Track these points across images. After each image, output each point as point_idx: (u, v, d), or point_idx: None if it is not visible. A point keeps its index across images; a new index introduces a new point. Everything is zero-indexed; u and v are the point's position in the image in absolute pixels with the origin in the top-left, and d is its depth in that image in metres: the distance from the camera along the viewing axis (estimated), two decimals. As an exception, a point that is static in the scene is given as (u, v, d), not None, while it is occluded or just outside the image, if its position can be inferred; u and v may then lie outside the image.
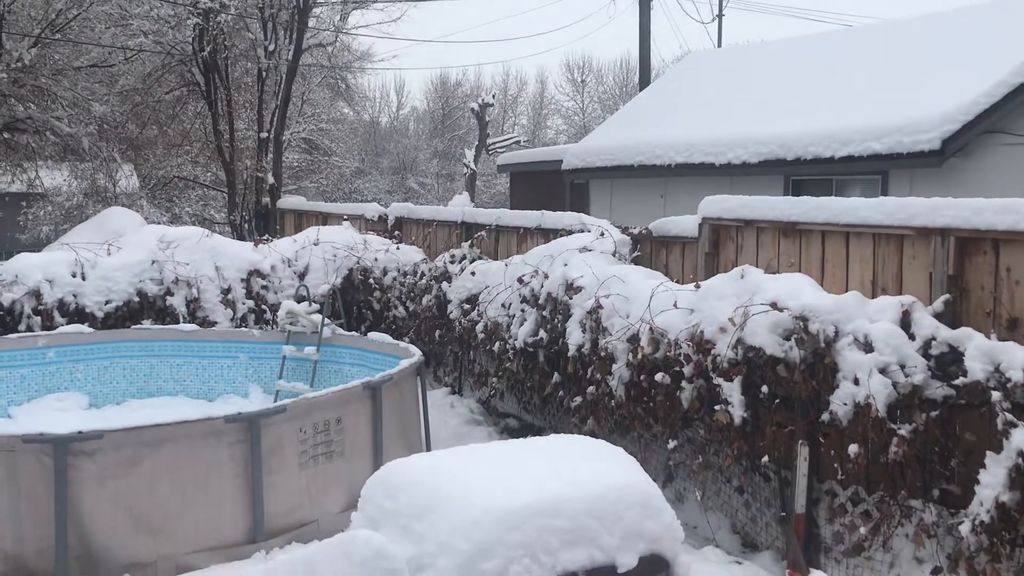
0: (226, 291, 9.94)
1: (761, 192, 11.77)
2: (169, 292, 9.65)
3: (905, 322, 5.15)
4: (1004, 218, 5.27)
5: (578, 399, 6.92)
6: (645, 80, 22.93)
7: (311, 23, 19.89)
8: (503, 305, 8.09)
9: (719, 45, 27.61)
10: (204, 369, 9.34)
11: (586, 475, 3.57)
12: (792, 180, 12.06)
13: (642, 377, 6.24)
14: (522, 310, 7.82)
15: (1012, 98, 9.33)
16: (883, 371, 4.93)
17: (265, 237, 12.44)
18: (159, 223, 16.44)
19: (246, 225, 19.29)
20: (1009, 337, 4.88)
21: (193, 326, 9.38)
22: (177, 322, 9.49)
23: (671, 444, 6.11)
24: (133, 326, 9.36)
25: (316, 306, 9.24)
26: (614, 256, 7.76)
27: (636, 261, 7.85)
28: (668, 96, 16.91)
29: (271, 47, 19.36)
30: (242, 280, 10.11)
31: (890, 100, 11.23)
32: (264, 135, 19.47)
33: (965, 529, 4.43)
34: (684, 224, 7.55)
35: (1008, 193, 9.22)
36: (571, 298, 7.18)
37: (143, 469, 5.39)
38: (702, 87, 16.30)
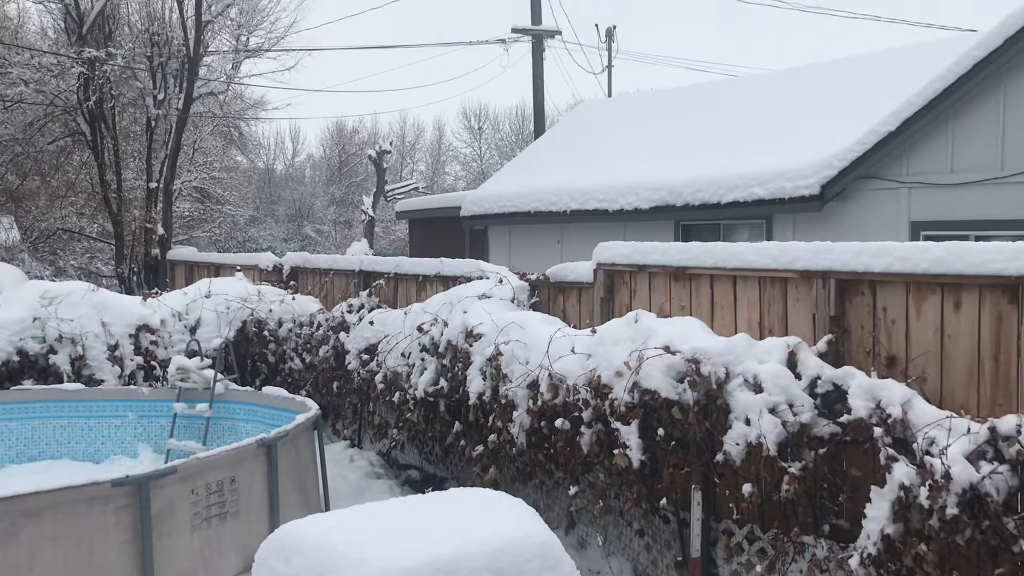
0: (113, 347, 9.57)
1: (653, 237, 12.08)
2: (52, 350, 9.24)
3: (792, 362, 5.32)
4: (879, 260, 5.53)
5: (480, 448, 6.90)
6: (540, 128, 23.34)
7: (202, 72, 19.62)
8: (403, 354, 8.03)
9: (609, 94, 28.38)
10: (90, 430, 8.93)
11: (485, 530, 3.55)
12: (682, 225, 12.41)
13: (542, 423, 6.27)
14: (422, 359, 7.77)
15: (882, 146, 9.85)
16: (773, 411, 5.08)
17: (155, 290, 12.07)
18: (42, 277, 15.80)
19: (135, 278, 18.70)
20: (888, 374, 5.09)
21: (78, 385, 8.98)
22: (61, 381, 9.07)
23: (572, 490, 6.14)
24: (12, 387, 8.91)
25: (208, 361, 8.98)
26: (513, 302, 7.82)
27: (535, 307, 7.93)
28: (563, 143, 17.25)
29: (160, 96, 19.00)
30: (130, 336, 9.76)
31: (774, 147, 11.71)
32: (153, 185, 19.00)
33: (854, 563, 4.57)
34: (580, 270, 7.67)
35: (883, 235, 9.72)
36: (471, 345, 7.18)
37: (21, 540, 5.11)
38: (596, 134, 16.69)
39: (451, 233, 18.31)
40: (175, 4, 18.67)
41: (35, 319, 9.30)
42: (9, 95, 18.46)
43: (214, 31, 19.94)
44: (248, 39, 20.86)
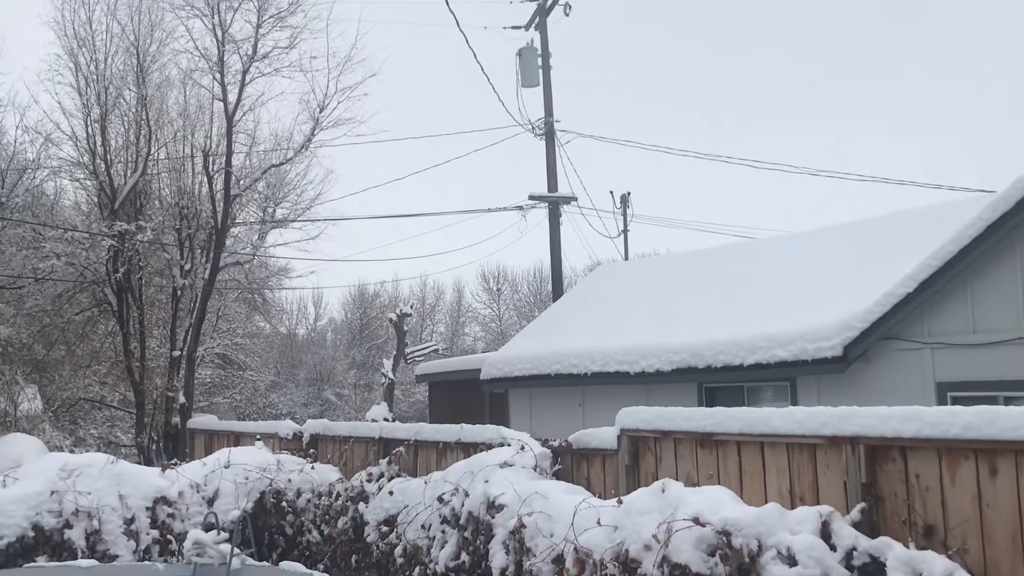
0: (130, 521, 9.41)
1: (676, 400, 11.97)
2: (68, 524, 9.08)
3: (825, 533, 5.15)
4: (908, 425, 5.43)
5: (504, 626, 6.62)
6: (558, 289, 23.64)
7: (228, 242, 20.18)
8: (423, 526, 7.84)
9: (626, 257, 28.86)
10: (102, 609, 8.65)
11: None
12: (705, 387, 12.32)
13: (569, 601, 6.03)
14: (443, 531, 7.58)
15: (902, 307, 9.87)
16: (809, 586, 4.88)
17: (173, 461, 12.00)
18: (62, 447, 15.75)
19: (154, 447, 18.60)
20: (926, 545, 4.91)
21: (92, 562, 8.77)
22: (75, 557, 8.88)
23: (602, 673, 5.83)
24: (25, 565, 8.71)
25: (225, 535, 8.79)
26: (535, 470, 7.68)
27: (557, 475, 7.78)
28: (582, 305, 17.40)
29: (187, 266, 19.47)
30: (147, 508, 9.61)
31: (794, 308, 11.76)
32: (177, 353, 19.19)
33: None
34: (603, 436, 7.57)
35: (909, 397, 9.59)
36: (493, 517, 7.01)
37: None
38: (614, 297, 16.85)
39: (471, 396, 18.24)
40: (205, 179, 19.42)
41: (53, 492, 9.20)
42: (41, 268, 18.99)
43: (241, 204, 20.66)
44: (275, 211, 21.58)
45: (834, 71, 71.17)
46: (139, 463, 16.56)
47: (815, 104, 72.41)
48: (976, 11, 69.28)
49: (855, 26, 73.15)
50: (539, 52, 24.08)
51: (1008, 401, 9.10)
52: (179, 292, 19.71)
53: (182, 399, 18.50)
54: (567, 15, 24.34)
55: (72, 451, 17.36)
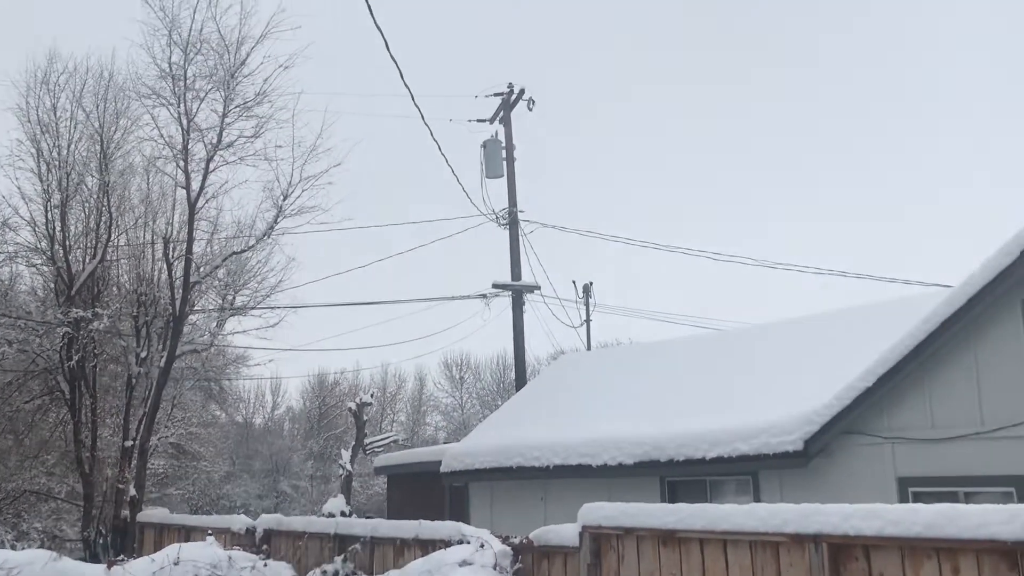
0: (70, 623, 8.99)
1: (639, 494, 11.84)
2: (3, 627, 8.66)
3: (791, 637, 5.04)
4: (871, 523, 5.40)
5: None
6: (521, 379, 23.51)
7: (186, 329, 19.89)
8: (378, 629, 7.56)
9: (589, 347, 28.91)
10: None
11: None
12: (668, 481, 12.20)
13: None
14: (399, 634, 7.32)
15: (861, 401, 9.91)
16: None
17: (120, 557, 11.53)
18: (3, 542, 15.12)
19: (101, 541, 17.93)
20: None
21: (27, 667, 8.34)
22: (8, 663, 8.43)
23: None
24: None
25: (171, 637, 8.41)
26: (495, 569, 7.49)
27: (518, 573, 7.60)
28: (544, 396, 17.30)
29: (143, 354, 19.13)
30: (90, 609, 9.21)
31: (755, 401, 11.77)
32: (129, 443, 18.68)
33: None
34: (564, 533, 7.43)
35: (871, 492, 9.56)
36: (450, 620, 6.79)
37: None
38: (577, 387, 16.78)
39: (431, 489, 17.89)
40: (164, 266, 19.24)
41: (-11, 593, 8.79)
42: (-9, 355, 18.55)
43: (201, 291, 20.43)
44: (234, 298, 21.34)
45: (803, 162, 73.19)
46: (84, 559, 15.93)
47: (780, 192, 74.17)
48: (953, 103, 72.01)
49: (830, 114, 75.60)
50: (503, 144, 24.50)
51: (968, 497, 9.10)
52: (134, 380, 19.29)
53: (133, 491, 17.93)
54: (531, 110, 24.88)
55: (13, 546, 16.66)
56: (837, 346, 12.32)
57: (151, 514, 17.44)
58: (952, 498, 9.08)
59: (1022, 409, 8.96)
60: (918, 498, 9.43)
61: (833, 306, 14.90)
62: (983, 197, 64.59)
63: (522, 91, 24.53)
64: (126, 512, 17.76)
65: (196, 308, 20.70)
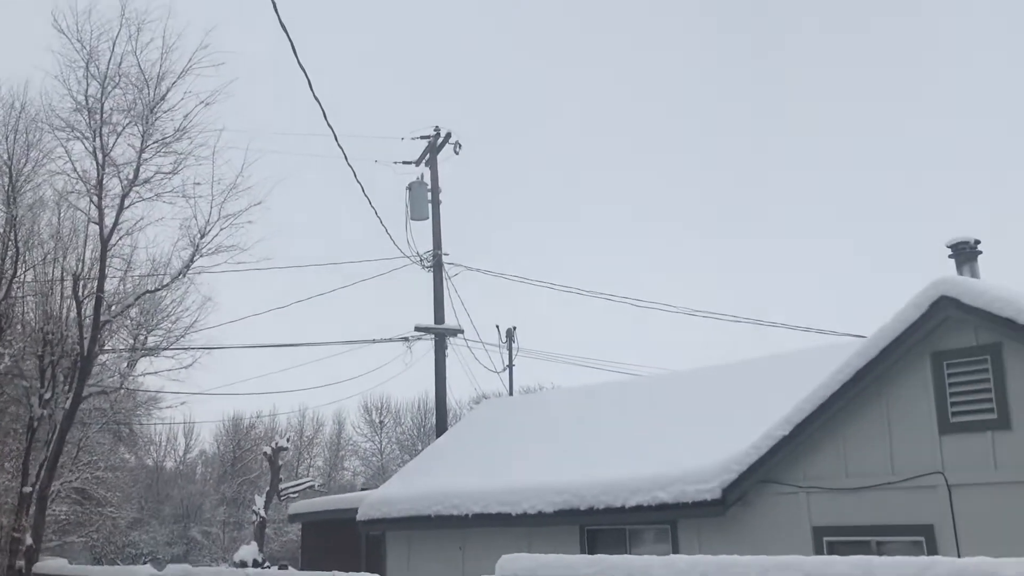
0: None
1: (558, 543, 11.72)
2: None
3: None
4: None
5: None
6: (442, 424, 23.24)
7: (94, 370, 19.18)
8: None
9: (511, 392, 28.82)
10: None
11: None
12: (588, 530, 12.10)
13: None
14: None
15: (777, 450, 10.01)
16: None
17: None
18: None
19: (-8, 595, 16.98)
20: None
21: None
22: None
23: None
24: None
25: None
26: (409, 625, 7.26)
27: (433, 629, 7.37)
28: (465, 442, 17.08)
29: (47, 395, 18.36)
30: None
31: (675, 449, 11.78)
32: (28, 489, 17.81)
33: None
34: (482, 587, 7.25)
35: (787, 542, 9.63)
36: None
37: None
38: (498, 434, 16.62)
39: (347, 537, 17.44)
40: (74, 303, 18.58)
41: None
42: None
43: (112, 330, 19.78)
44: (146, 338, 20.72)
45: (728, 209, 74.86)
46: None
47: (697, 241, 75.68)
48: (870, 150, 74.57)
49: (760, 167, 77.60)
50: (429, 186, 24.44)
51: (880, 546, 9.23)
52: (36, 423, 18.47)
53: (29, 540, 17.07)
54: (457, 153, 24.86)
55: None
56: (758, 393, 12.44)
57: (49, 565, 16.61)
58: (864, 547, 9.20)
59: (931, 459, 9.15)
60: (832, 547, 9.53)
61: (753, 354, 15.12)
62: (898, 244, 67.00)
63: (448, 134, 24.57)
64: (21, 563, 16.87)
65: (106, 348, 20.01)
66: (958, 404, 9.09)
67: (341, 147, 15.89)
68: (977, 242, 10.63)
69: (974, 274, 10.40)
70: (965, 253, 10.60)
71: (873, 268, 64.46)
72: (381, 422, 53.65)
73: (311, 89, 12.03)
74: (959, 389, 9.12)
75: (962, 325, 9.12)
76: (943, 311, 9.10)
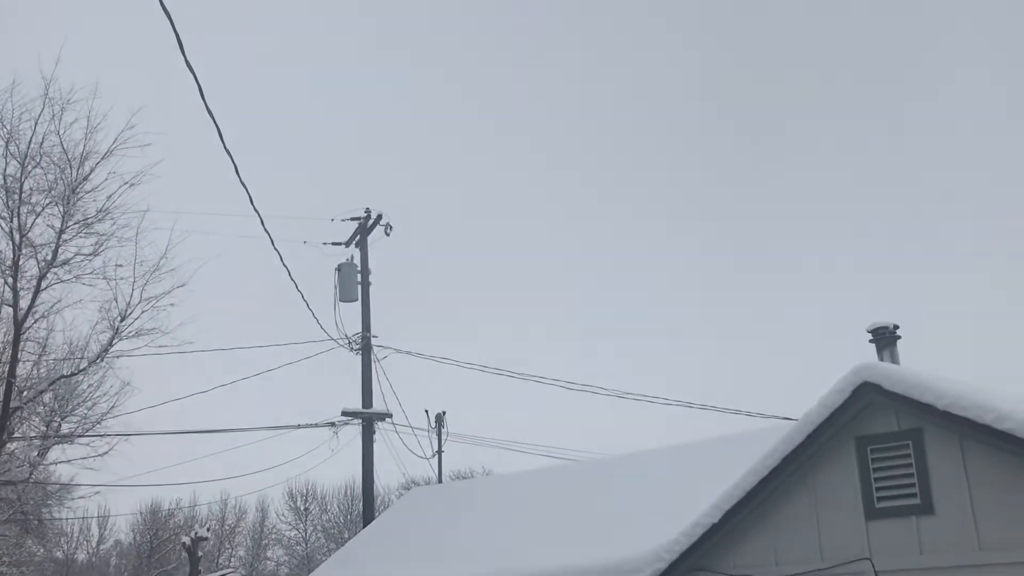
0: None
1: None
2: None
3: None
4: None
5: None
6: (369, 511, 22.68)
7: (2, 459, 18.27)
8: None
9: (440, 479, 28.36)
10: None
11: None
12: (517, 622, 11.79)
13: None
14: None
15: (708, 537, 9.92)
16: None
17: None
18: None
19: None
20: None
21: None
22: None
23: None
24: None
25: None
26: None
27: None
28: (394, 532, 16.66)
29: (-51, 486, 17.37)
30: None
31: (607, 536, 11.64)
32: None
33: None
34: None
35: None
36: None
37: None
38: (427, 523, 16.26)
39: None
40: (-18, 389, 17.77)
41: None
42: None
43: (23, 417, 18.95)
44: (60, 425, 19.88)
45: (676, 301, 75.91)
46: None
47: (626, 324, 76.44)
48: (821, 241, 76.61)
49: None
50: (359, 268, 24.32)
51: (812, 636, 9.15)
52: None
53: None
54: (388, 235, 24.86)
55: None
56: (691, 478, 12.41)
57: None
58: (797, 637, 9.11)
59: (859, 545, 9.18)
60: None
61: (686, 437, 15.14)
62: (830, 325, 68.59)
63: (379, 216, 24.57)
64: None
65: (16, 436, 19.12)
66: (883, 489, 9.17)
67: (267, 231, 15.78)
68: (896, 327, 10.91)
69: (894, 359, 10.64)
70: (885, 338, 10.85)
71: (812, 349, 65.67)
72: (306, 509, 52.20)
73: (237, 173, 11.97)
74: (883, 474, 9.21)
75: (885, 410, 9.26)
76: (866, 396, 9.24)
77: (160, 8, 8.02)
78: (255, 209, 13.79)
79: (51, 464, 21.27)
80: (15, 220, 17.60)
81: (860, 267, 72.84)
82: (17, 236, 17.56)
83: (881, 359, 10.62)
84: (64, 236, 17.83)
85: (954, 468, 8.78)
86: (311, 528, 51.88)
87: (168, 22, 8.24)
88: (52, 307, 18.39)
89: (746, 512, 9.86)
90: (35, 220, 17.80)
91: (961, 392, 8.67)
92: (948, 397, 8.60)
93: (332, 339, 23.30)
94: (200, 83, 9.44)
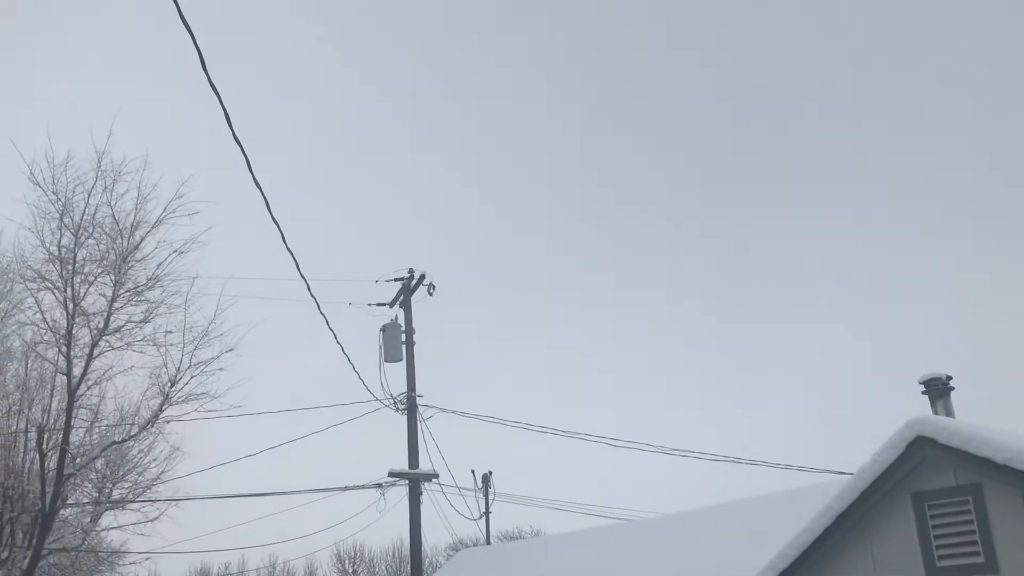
0: None
1: None
2: None
3: None
4: None
5: None
6: (417, 574, 22.44)
7: (55, 525, 18.47)
8: None
9: (488, 539, 28.02)
10: None
11: None
12: None
13: None
14: None
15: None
16: None
17: None
18: None
19: None
20: None
21: None
22: None
23: None
24: None
25: None
26: None
27: None
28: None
29: (4, 554, 17.58)
30: None
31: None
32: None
33: None
34: None
35: None
36: None
37: None
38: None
39: None
40: (37, 456, 18.04)
41: None
42: None
43: (75, 483, 19.17)
44: (112, 490, 20.07)
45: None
46: None
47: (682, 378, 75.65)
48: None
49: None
50: (403, 328, 24.41)
51: None
52: (-11, 587, 17.64)
53: None
54: (431, 295, 24.94)
55: None
56: (740, 536, 12.22)
57: None
58: None
59: (920, 603, 8.89)
60: None
61: (733, 495, 14.92)
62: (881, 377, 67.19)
63: (423, 276, 24.71)
64: None
65: (69, 502, 19.34)
66: (943, 547, 8.90)
67: (314, 296, 15.97)
68: (949, 378, 10.65)
69: (948, 411, 10.37)
70: (938, 389, 10.60)
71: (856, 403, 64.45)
72: (354, 572, 51.90)
73: (284, 241, 12.18)
74: (943, 531, 8.94)
75: (941, 465, 9.03)
76: (921, 451, 9.02)
77: (209, 85, 8.27)
78: (302, 275, 14.03)
79: (103, 530, 21.44)
80: (68, 290, 18.00)
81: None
82: (71, 305, 17.95)
83: (935, 411, 10.37)
84: (116, 304, 18.18)
85: (1018, 524, 8.49)
86: (359, 591, 51.48)
87: (216, 99, 8.49)
88: (104, 374, 18.71)
89: (801, 572, 9.62)
90: (88, 289, 18.20)
91: (1020, 446, 8.43)
92: (1007, 451, 8.37)
93: (377, 399, 23.32)
94: (247, 155, 9.68)
